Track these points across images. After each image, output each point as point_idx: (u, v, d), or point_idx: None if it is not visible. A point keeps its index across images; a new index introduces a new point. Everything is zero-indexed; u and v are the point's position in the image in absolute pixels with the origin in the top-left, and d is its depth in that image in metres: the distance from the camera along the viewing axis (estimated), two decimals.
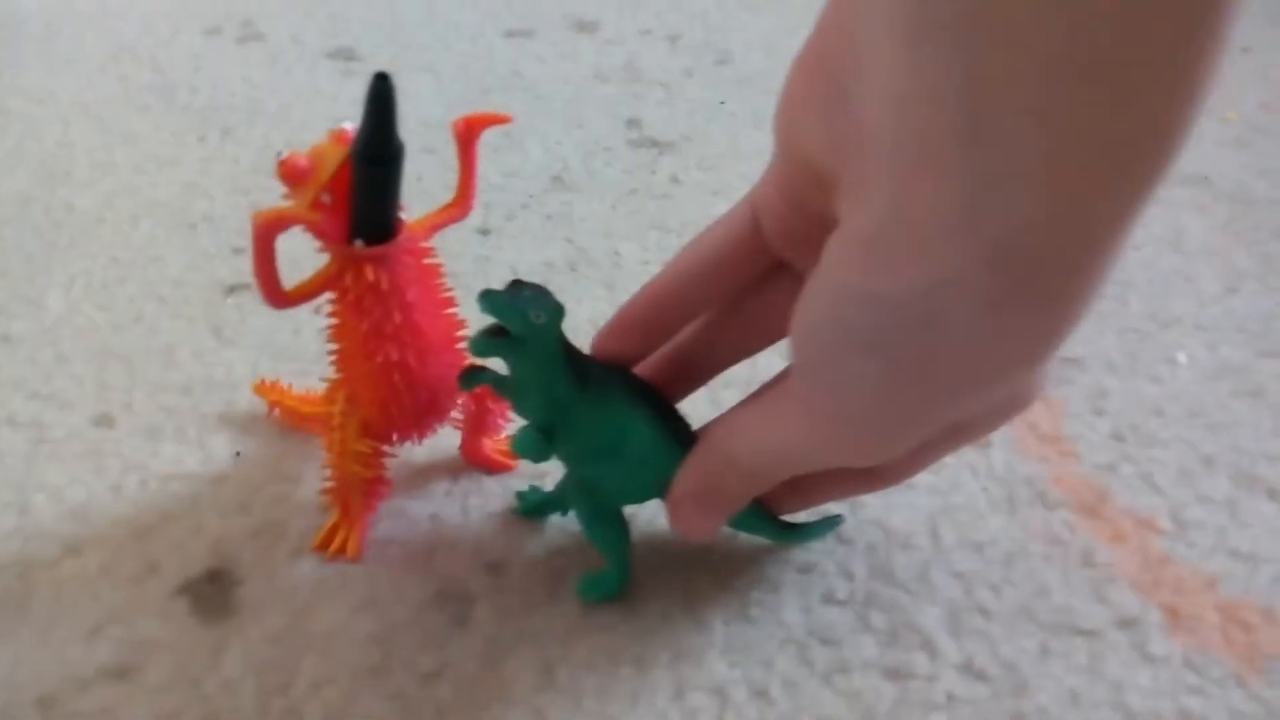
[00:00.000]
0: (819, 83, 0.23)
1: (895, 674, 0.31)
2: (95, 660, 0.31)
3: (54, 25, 0.76)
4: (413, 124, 0.61)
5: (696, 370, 0.33)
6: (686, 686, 0.30)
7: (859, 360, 0.23)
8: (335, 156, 0.28)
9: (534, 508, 0.35)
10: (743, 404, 0.30)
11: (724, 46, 0.74)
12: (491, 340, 0.28)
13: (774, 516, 0.33)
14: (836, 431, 0.26)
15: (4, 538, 0.35)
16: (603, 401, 0.30)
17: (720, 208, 0.54)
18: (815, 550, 0.34)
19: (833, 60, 0.22)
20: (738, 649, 0.31)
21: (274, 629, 0.32)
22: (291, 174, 0.28)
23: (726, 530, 0.33)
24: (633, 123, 0.64)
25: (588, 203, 0.55)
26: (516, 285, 0.28)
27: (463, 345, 0.33)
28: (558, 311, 0.28)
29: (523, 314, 0.27)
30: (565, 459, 0.31)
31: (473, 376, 0.31)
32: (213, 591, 0.33)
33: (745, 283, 0.30)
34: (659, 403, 0.31)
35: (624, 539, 0.32)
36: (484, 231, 0.52)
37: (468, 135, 0.31)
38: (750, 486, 0.30)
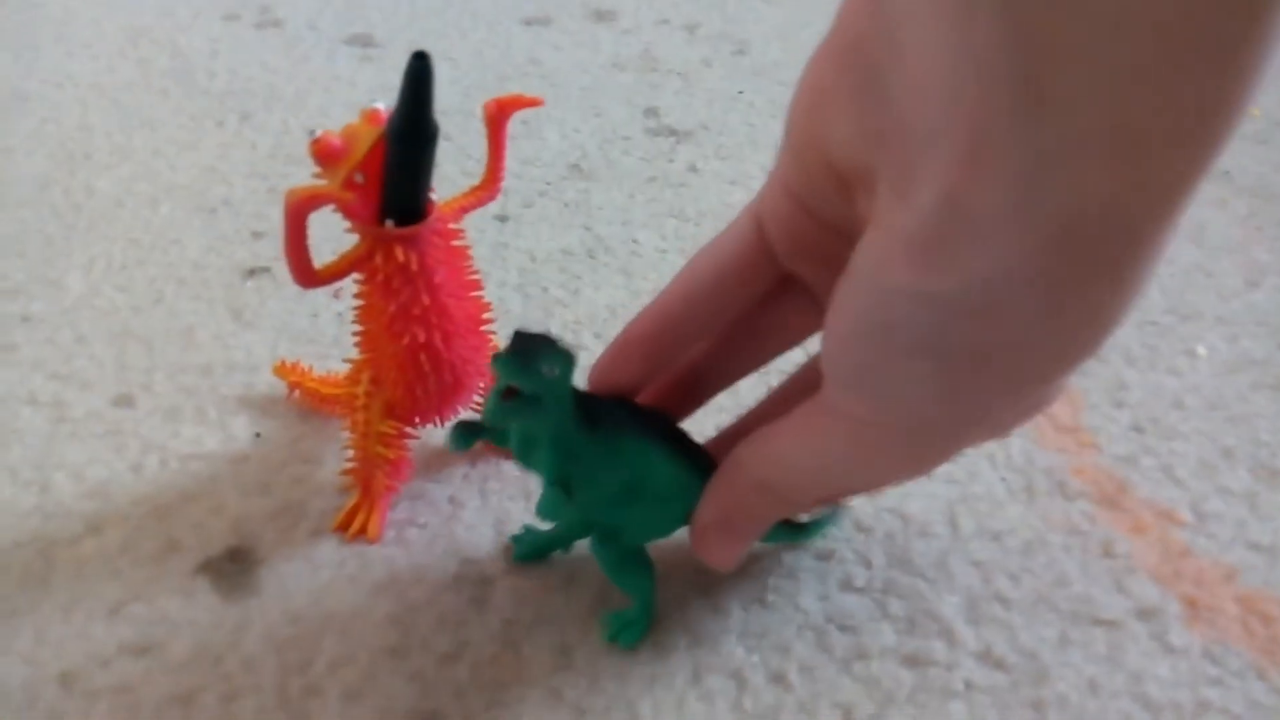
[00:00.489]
0: (849, 72, 0.21)
1: (914, 661, 0.31)
2: (116, 637, 0.31)
3: (72, 9, 0.76)
4: None
5: (701, 390, 0.32)
6: (704, 670, 0.30)
7: (911, 364, 0.22)
8: (368, 136, 0.28)
9: (533, 550, 0.33)
10: (773, 425, 0.28)
11: (742, 37, 0.74)
12: (506, 405, 0.27)
13: (784, 522, 0.33)
14: (886, 444, 0.24)
15: (25, 515, 0.35)
16: (615, 442, 0.28)
17: (738, 196, 0.54)
18: (833, 538, 0.34)
19: (865, 46, 0.21)
20: (755, 634, 0.31)
21: (294, 608, 0.32)
22: (324, 153, 0.28)
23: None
24: (650, 111, 0.64)
25: (606, 190, 0.55)
26: (522, 339, 0.27)
27: (488, 329, 0.33)
28: (569, 360, 0.27)
29: (537, 372, 0.26)
30: (583, 508, 0.29)
31: (467, 436, 0.29)
32: (233, 570, 0.33)
33: (752, 300, 0.29)
34: (670, 430, 0.30)
35: (651, 576, 0.31)
36: (502, 218, 0.52)
37: (498, 117, 0.31)
38: (782, 510, 0.29)
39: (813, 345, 0.29)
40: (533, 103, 0.31)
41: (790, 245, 0.27)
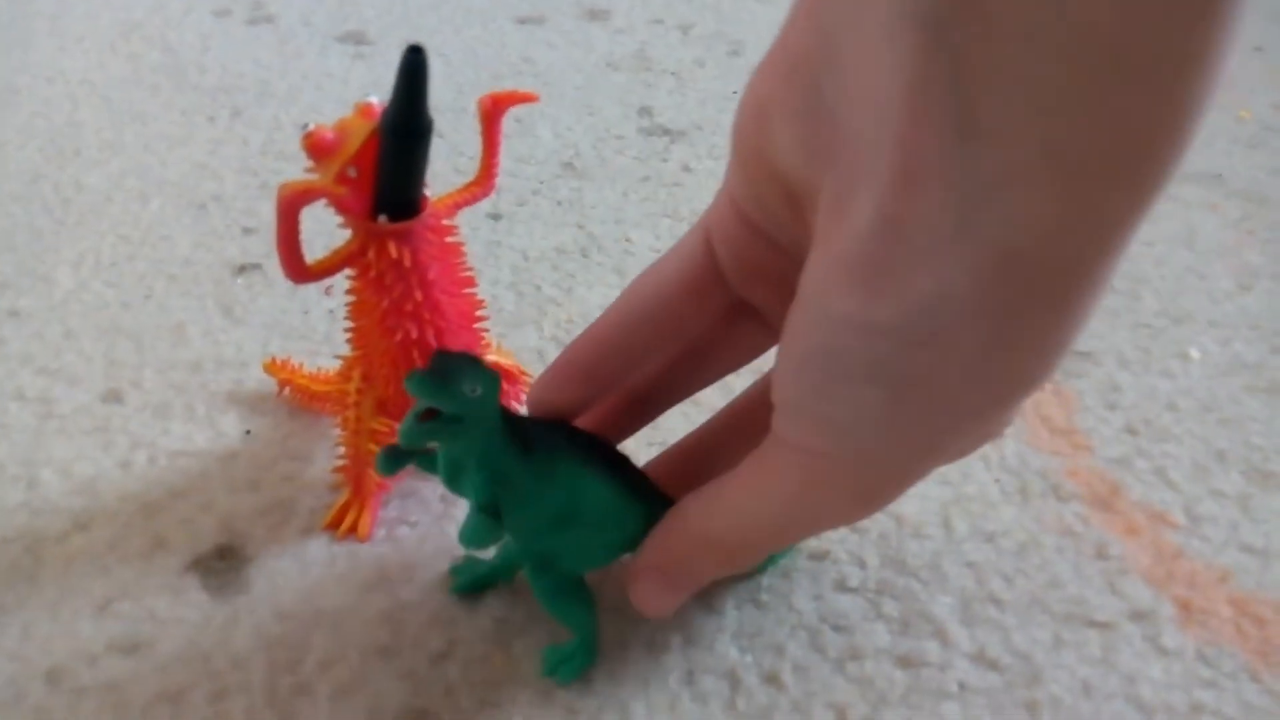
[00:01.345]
0: (793, 85, 0.21)
1: (907, 662, 0.31)
2: (104, 635, 0.31)
3: (65, 4, 0.76)
4: None
5: (646, 410, 0.31)
6: (698, 670, 0.30)
7: (859, 392, 0.21)
8: (362, 130, 0.27)
9: (473, 583, 0.32)
10: (721, 479, 0.26)
11: (736, 37, 0.74)
12: (424, 426, 0.26)
13: None
14: (836, 479, 0.23)
15: (12, 511, 0.34)
16: (549, 466, 0.27)
17: None
18: (827, 538, 0.34)
19: (807, 60, 0.20)
20: (749, 634, 0.31)
21: (284, 606, 0.32)
22: (317, 147, 0.27)
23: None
24: (644, 111, 0.63)
25: (599, 189, 0.55)
26: (443, 359, 0.26)
27: (480, 326, 0.33)
28: (494, 380, 0.26)
29: (457, 392, 0.25)
30: (516, 534, 0.28)
31: (395, 460, 0.28)
32: (222, 568, 0.33)
33: (700, 325, 0.28)
34: (609, 455, 0.29)
35: (590, 608, 0.29)
36: (495, 216, 0.52)
37: (493, 112, 0.31)
38: (726, 567, 0.28)
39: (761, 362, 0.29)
40: (527, 98, 0.31)
41: (740, 267, 0.26)
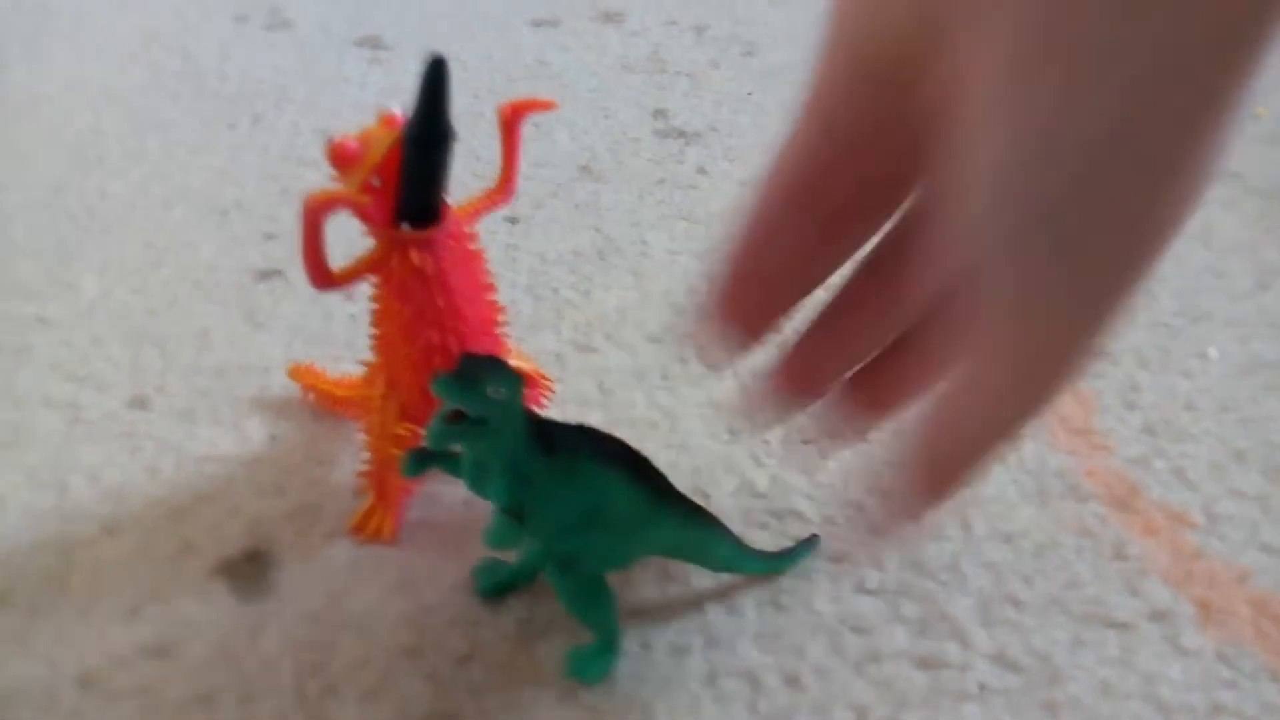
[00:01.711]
0: None
1: (927, 663, 0.31)
2: (135, 639, 0.31)
3: (85, 13, 0.76)
4: None
5: None
6: (719, 672, 0.30)
7: (1045, 230, 0.19)
8: (385, 140, 0.28)
9: (496, 587, 0.32)
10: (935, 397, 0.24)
11: (750, 38, 0.74)
12: (450, 428, 0.26)
13: (755, 551, 0.32)
14: (1049, 337, 0.21)
15: (42, 517, 0.35)
16: (573, 468, 0.28)
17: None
18: (847, 540, 0.34)
19: None
20: (770, 636, 0.32)
21: (311, 609, 0.32)
22: (341, 157, 0.28)
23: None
24: (659, 113, 0.64)
25: (615, 192, 0.55)
26: (468, 362, 0.27)
27: (501, 331, 0.33)
28: (517, 382, 0.27)
29: (482, 395, 0.26)
30: (539, 535, 0.29)
31: (421, 462, 0.29)
32: (250, 571, 0.33)
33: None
34: (631, 457, 0.29)
35: (613, 609, 0.30)
36: (512, 220, 0.53)
37: (513, 120, 0.31)
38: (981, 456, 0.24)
39: None
40: (546, 106, 0.32)
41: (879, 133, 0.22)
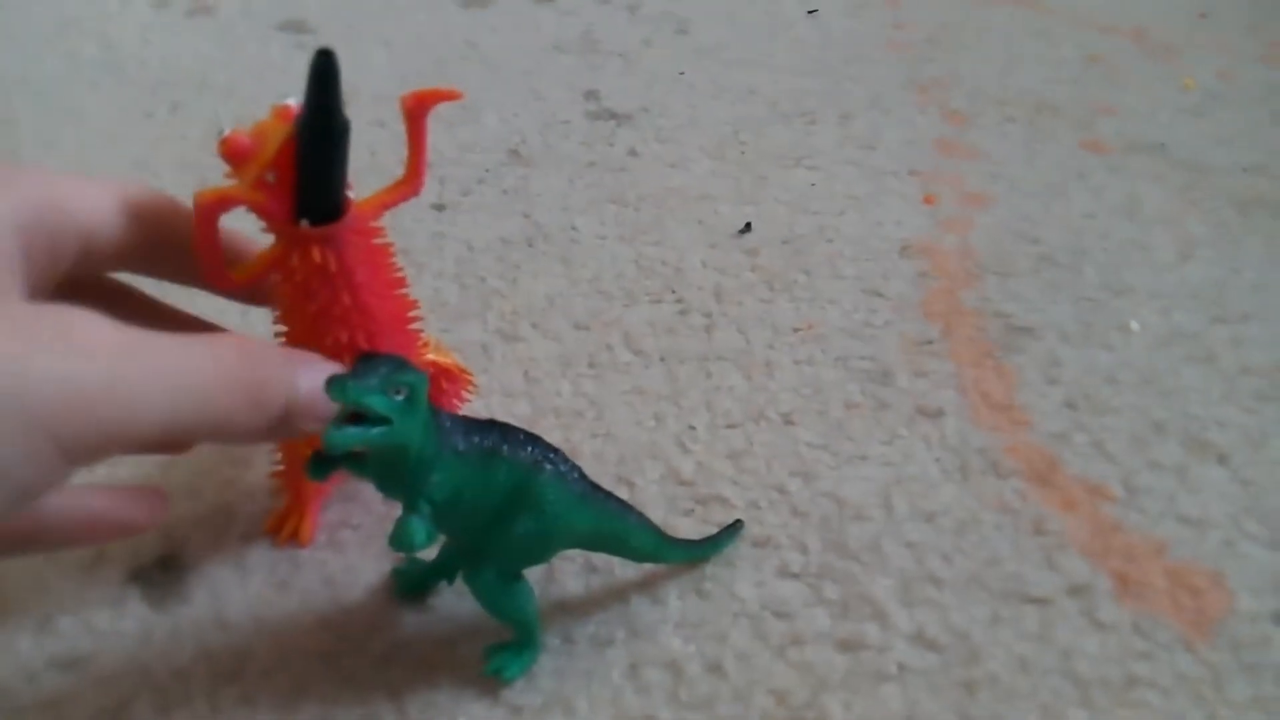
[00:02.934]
0: None
1: (847, 645, 0.31)
2: (44, 651, 0.30)
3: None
4: (365, 98, 0.60)
5: None
6: (641, 663, 0.30)
7: None
8: (279, 133, 0.27)
9: (416, 584, 0.32)
10: None
11: (683, 16, 0.74)
12: (348, 431, 0.25)
13: (678, 540, 0.32)
14: None
15: None
16: (484, 465, 0.27)
17: (677, 180, 0.54)
18: (769, 524, 0.35)
19: None
20: (692, 624, 0.31)
21: (226, 615, 0.31)
22: (234, 152, 0.27)
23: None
24: (591, 94, 0.63)
25: (545, 177, 0.55)
26: (367, 361, 0.26)
27: (415, 327, 0.33)
28: (421, 379, 0.26)
29: (381, 396, 0.25)
30: (452, 534, 0.29)
31: (323, 466, 0.28)
32: (164, 578, 0.33)
33: None
34: (544, 450, 0.29)
35: (531, 605, 0.29)
36: (439, 207, 0.52)
37: (417, 110, 0.30)
38: None
39: None
40: (451, 96, 0.31)
41: None
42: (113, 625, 0.31)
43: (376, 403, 0.25)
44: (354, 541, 0.34)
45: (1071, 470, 0.37)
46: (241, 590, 0.32)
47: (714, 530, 0.34)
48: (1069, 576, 0.33)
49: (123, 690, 0.29)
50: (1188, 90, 0.65)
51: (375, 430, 0.25)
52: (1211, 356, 0.43)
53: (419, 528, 0.27)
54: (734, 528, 0.34)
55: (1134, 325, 0.45)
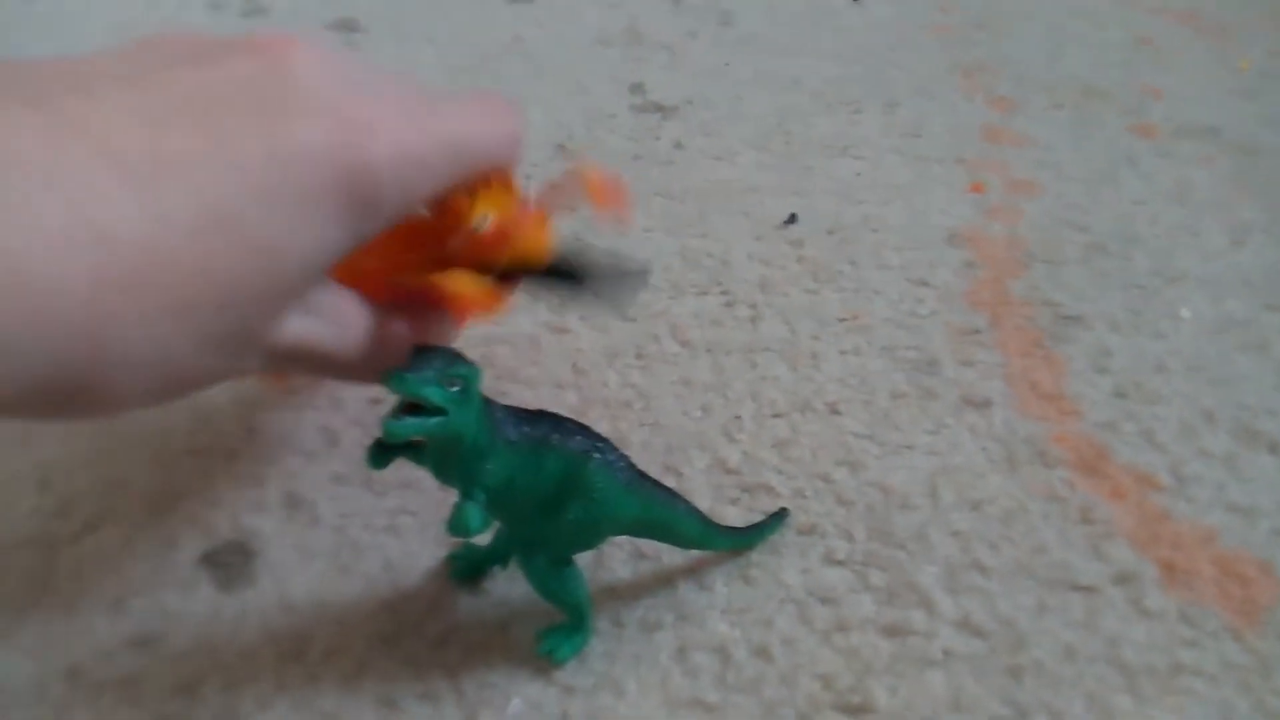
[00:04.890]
0: None
1: (893, 631, 0.31)
2: (119, 631, 0.32)
3: (60, 5, 0.76)
4: None
5: None
6: (689, 646, 0.31)
7: None
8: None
9: (471, 568, 0.33)
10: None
11: (726, 7, 0.74)
12: (406, 421, 0.26)
13: (724, 528, 0.33)
14: None
15: (26, 515, 0.36)
16: (536, 453, 0.28)
17: (723, 172, 0.54)
18: (815, 513, 0.35)
19: None
20: (739, 609, 0.32)
21: (290, 598, 0.33)
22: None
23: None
24: (636, 87, 0.64)
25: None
26: (422, 354, 0.27)
27: None
28: (474, 372, 0.27)
29: (437, 387, 0.26)
30: (507, 520, 0.30)
31: (383, 455, 0.28)
32: (232, 562, 0.34)
33: None
34: (594, 439, 0.29)
35: (582, 589, 0.30)
36: None
37: (591, 194, 0.32)
38: None
39: None
40: (618, 209, 0.32)
41: None
42: (183, 606, 0.33)
43: (433, 394, 0.26)
44: (413, 528, 0.35)
45: (1120, 459, 0.37)
46: (305, 574, 0.33)
47: (760, 518, 0.34)
48: (1116, 565, 0.33)
49: (194, 668, 0.31)
50: (1241, 72, 0.64)
51: (432, 420, 0.26)
52: (1264, 344, 0.42)
53: (474, 514, 0.28)
54: (779, 516, 0.34)
55: (1185, 313, 0.44)
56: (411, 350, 0.27)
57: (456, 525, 0.28)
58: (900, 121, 0.59)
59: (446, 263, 0.29)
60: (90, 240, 0.21)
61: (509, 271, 0.30)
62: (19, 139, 0.21)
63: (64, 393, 0.22)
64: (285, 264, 0.24)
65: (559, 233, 0.31)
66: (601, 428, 0.38)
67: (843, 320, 0.44)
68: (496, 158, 0.29)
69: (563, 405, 0.40)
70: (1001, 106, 0.61)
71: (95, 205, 0.21)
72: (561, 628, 0.31)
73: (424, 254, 0.30)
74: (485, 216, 0.28)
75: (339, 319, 0.27)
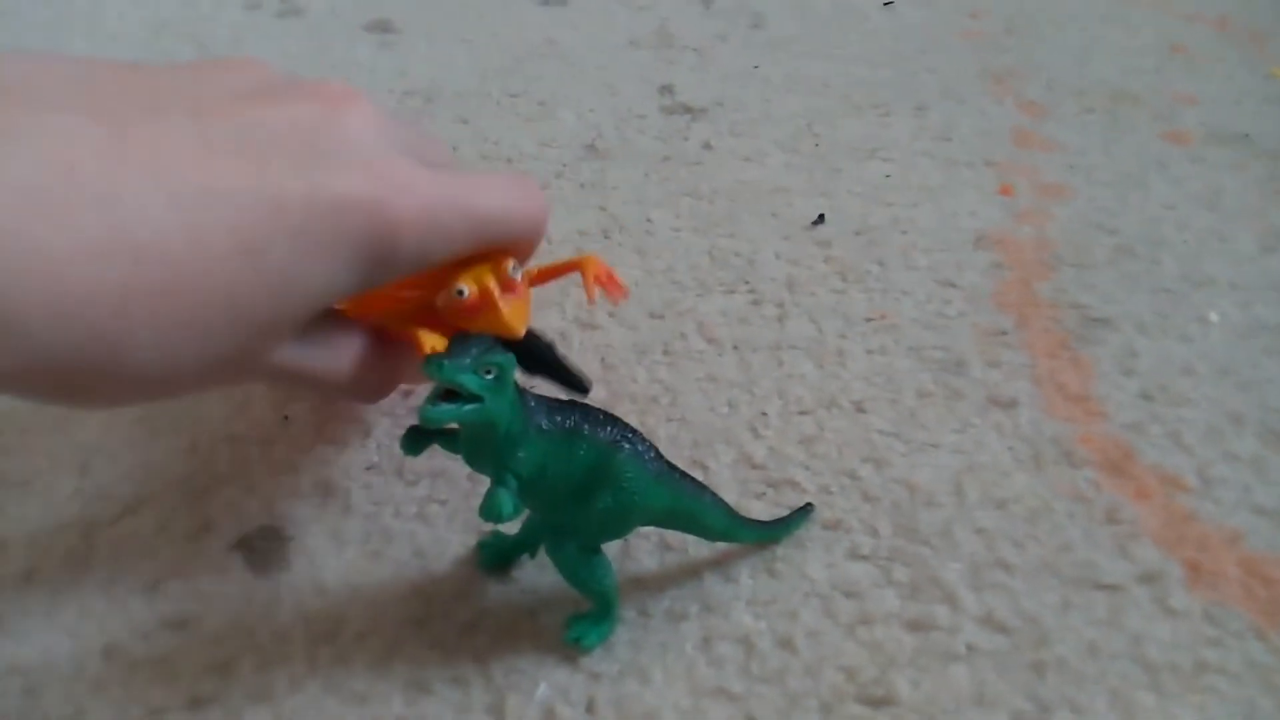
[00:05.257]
0: None
1: (917, 625, 0.32)
2: (155, 612, 0.33)
3: (99, 3, 0.78)
4: (448, 95, 0.62)
5: None
6: (714, 636, 0.31)
7: None
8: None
9: (499, 556, 0.34)
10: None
11: (757, 10, 0.74)
12: (443, 407, 0.27)
13: (750, 521, 0.33)
14: None
15: (66, 499, 0.36)
16: (567, 442, 0.29)
17: (751, 173, 0.55)
18: (840, 508, 0.35)
19: None
20: (764, 601, 0.32)
21: (323, 582, 0.33)
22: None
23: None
24: (665, 89, 0.64)
25: (621, 170, 0.56)
26: (460, 342, 0.27)
27: None
28: (509, 361, 0.28)
29: (473, 375, 0.27)
30: (535, 509, 0.30)
31: (418, 441, 0.29)
32: (266, 547, 0.35)
33: None
34: (626, 431, 0.30)
35: (610, 578, 0.31)
36: None
37: (586, 276, 0.33)
38: None
39: None
40: (616, 294, 0.34)
41: None
42: (218, 589, 0.33)
43: (469, 381, 0.27)
44: (442, 516, 0.35)
45: (1146, 460, 0.37)
46: (337, 559, 0.34)
47: (785, 513, 0.34)
48: (1141, 564, 0.33)
49: (228, 649, 0.31)
50: (1273, 79, 0.64)
51: (468, 407, 0.27)
52: None
53: (506, 500, 0.28)
54: (805, 510, 0.35)
55: (1213, 317, 0.44)
56: (452, 338, 0.28)
57: (490, 510, 0.28)
58: (930, 125, 0.60)
59: (432, 313, 0.31)
60: (128, 256, 0.23)
61: None
62: (77, 150, 0.23)
63: (71, 383, 0.24)
64: (298, 298, 0.26)
65: (535, 318, 0.32)
66: (629, 421, 0.39)
67: (870, 320, 0.44)
68: (519, 236, 0.31)
69: (592, 399, 0.40)
70: (1032, 111, 0.61)
71: (139, 224, 0.23)
72: (589, 616, 0.31)
73: (418, 296, 0.32)
74: (462, 290, 0.29)
75: (331, 345, 0.29)
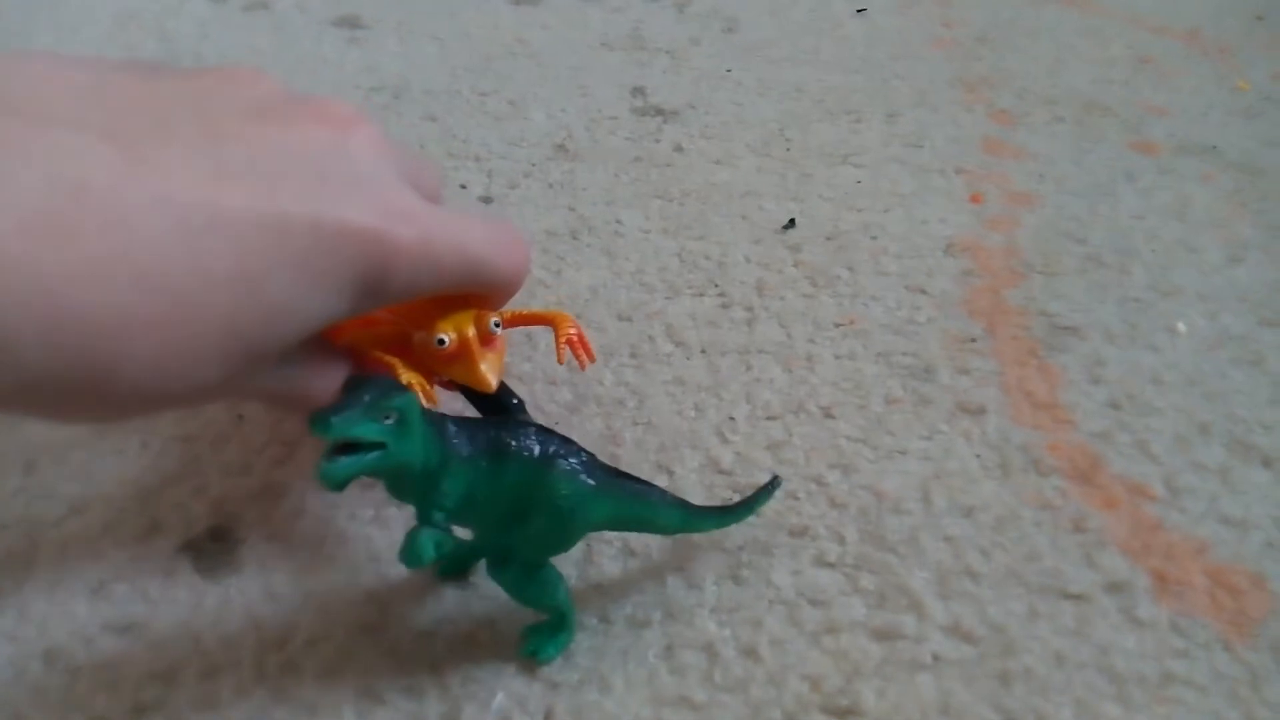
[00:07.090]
0: None
1: (882, 634, 0.31)
2: (99, 616, 0.32)
3: None
4: (416, 92, 0.61)
5: None
6: (677, 644, 0.31)
7: None
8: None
9: (457, 564, 0.32)
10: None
11: (731, 14, 0.74)
12: (341, 462, 0.25)
13: (708, 509, 0.32)
14: None
15: (9, 497, 0.35)
16: (495, 464, 0.28)
17: (722, 176, 0.54)
18: (806, 514, 0.35)
19: None
20: (728, 609, 0.32)
21: (274, 587, 0.32)
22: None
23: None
24: (638, 90, 0.64)
25: (591, 171, 0.55)
26: (351, 389, 0.25)
27: None
28: (408, 402, 0.26)
29: (369, 423, 0.25)
30: (475, 530, 0.30)
31: (341, 477, 0.26)
32: (215, 550, 0.34)
33: None
34: (554, 441, 0.28)
35: (560, 589, 0.30)
36: (486, 200, 0.53)
37: (561, 336, 0.35)
38: None
39: None
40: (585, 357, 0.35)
41: None
42: (165, 593, 0.32)
43: (366, 431, 0.25)
44: (399, 519, 0.34)
45: (1113, 469, 0.37)
46: (289, 563, 0.33)
47: (751, 512, 0.33)
48: (1108, 574, 0.33)
49: (174, 655, 0.30)
50: (1241, 92, 0.64)
51: (370, 456, 0.25)
52: (1259, 360, 0.42)
53: (427, 544, 0.27)
54: (770, 486, 0.33)
55: (1181, 327, 0.44)
56: (343, 384, 0.26)
57: (409, 555, 0.27)
58: (901, 131, 0.59)
59: (405, 344, 0.32)
60: (130, 280, 0.22)
61: (452, 383, 0.33)
62: (86, 170, 0.22)
63: (58, 402, 0.24)
64: (292, 325, 0.26)
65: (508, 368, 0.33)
66: (595, 425, 0.38)
67: (839, 325, 0.44)
68: (501, 282, 0.31)
69: (557, 402, 0.40)
70: (1003, 120, 0.61)
71: (143, 248, 0.22)
72: (545, 627, 0.30)
73: (391, 325, 0.33)
74: (443, 339, 0.30)
75: (313, 369, 0.29)
